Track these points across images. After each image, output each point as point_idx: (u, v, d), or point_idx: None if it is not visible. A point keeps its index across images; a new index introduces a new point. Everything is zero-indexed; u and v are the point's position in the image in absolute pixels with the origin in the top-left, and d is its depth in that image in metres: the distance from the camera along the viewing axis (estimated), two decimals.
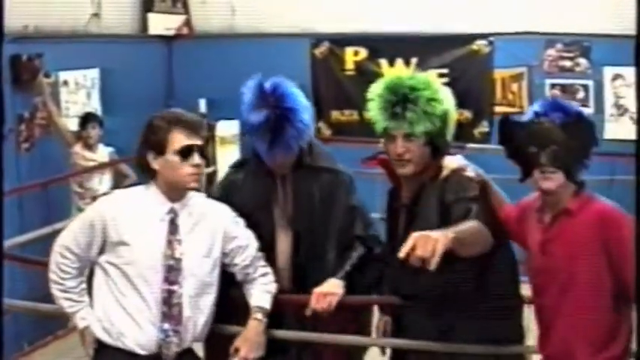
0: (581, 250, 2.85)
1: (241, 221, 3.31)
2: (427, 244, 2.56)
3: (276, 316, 3.34)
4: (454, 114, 3.20)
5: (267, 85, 3.33)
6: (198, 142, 3.10)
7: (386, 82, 3.19)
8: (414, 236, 2.60)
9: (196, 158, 3.09)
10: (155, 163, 3.10)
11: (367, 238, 3.48)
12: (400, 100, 3.11)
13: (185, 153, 3.07)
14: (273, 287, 3.33)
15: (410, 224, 3.14)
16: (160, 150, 3.08)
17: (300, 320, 3.39)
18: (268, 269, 3.35)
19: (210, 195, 3.45)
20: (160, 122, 3.10)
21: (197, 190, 3.22)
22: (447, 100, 3.16)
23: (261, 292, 3.30)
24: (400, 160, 3.14)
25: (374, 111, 3.17)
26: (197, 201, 3.22)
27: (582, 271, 2.85)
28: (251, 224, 3.36)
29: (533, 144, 2.90)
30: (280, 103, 3.29)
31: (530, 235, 3.02)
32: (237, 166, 3.65)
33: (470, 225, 2.84)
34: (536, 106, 3.00)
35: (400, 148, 3.12)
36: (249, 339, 3.25)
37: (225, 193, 3.51)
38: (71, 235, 3.16)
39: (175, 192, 3.14)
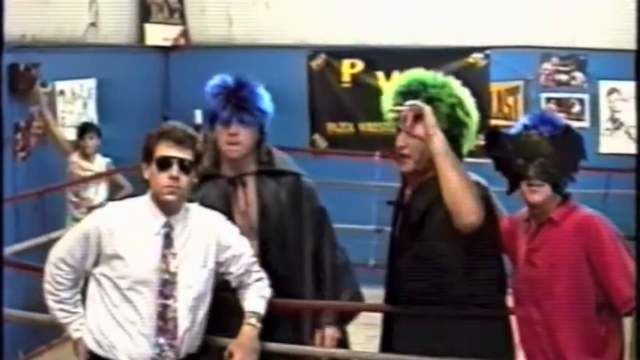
0: (563, 258, 2.85)
1: (235, 229, 3.30)
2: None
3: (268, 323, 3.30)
4: (472, 123, 3.17)
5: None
6: (182, 155, 3.08)
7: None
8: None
9: (174, 170, 3.07)
10: (146, 172, 3.14)
11: (337, 250, 3.51)
12: (405, 91, 3.14)
13: (163, 163, 3.08)
14: (267, 292, 3.29)
15: (404, 223, 3.15)
16: (148, 159, 3.12)
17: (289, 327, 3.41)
18: (263, 274, 3.31)
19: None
20: (153, 132, 3.14)
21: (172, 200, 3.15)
22: (460, 104, 3.14)
23: (255, 297, 3.26)
24: (400, 154, 3.14)
25: (385, 100, 3.20)
26: (192, 213, 3.21)
27: (564, 280, 2.84)
28: None
29: (521, 156, 2.91)
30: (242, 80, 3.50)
31: (519, 246, 3.03)
32: (200, 182, 3.47)
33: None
34: (525, 119, 3.01)
35: (400, 142, 3.13)
36: (243, 344, 3.19)
37: None
38: (66, 247, 3.16)
39: (166, 204, 3.13)
